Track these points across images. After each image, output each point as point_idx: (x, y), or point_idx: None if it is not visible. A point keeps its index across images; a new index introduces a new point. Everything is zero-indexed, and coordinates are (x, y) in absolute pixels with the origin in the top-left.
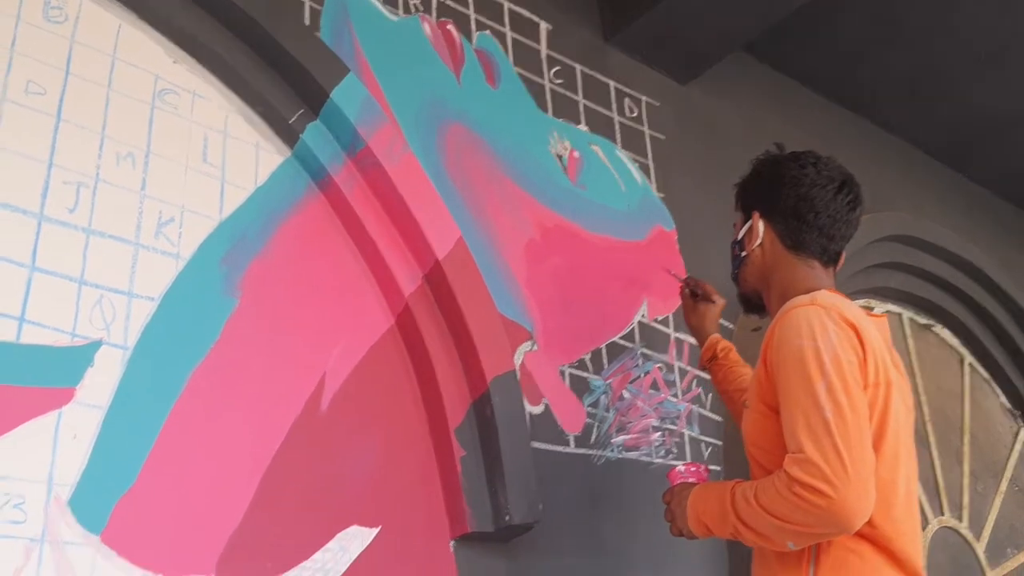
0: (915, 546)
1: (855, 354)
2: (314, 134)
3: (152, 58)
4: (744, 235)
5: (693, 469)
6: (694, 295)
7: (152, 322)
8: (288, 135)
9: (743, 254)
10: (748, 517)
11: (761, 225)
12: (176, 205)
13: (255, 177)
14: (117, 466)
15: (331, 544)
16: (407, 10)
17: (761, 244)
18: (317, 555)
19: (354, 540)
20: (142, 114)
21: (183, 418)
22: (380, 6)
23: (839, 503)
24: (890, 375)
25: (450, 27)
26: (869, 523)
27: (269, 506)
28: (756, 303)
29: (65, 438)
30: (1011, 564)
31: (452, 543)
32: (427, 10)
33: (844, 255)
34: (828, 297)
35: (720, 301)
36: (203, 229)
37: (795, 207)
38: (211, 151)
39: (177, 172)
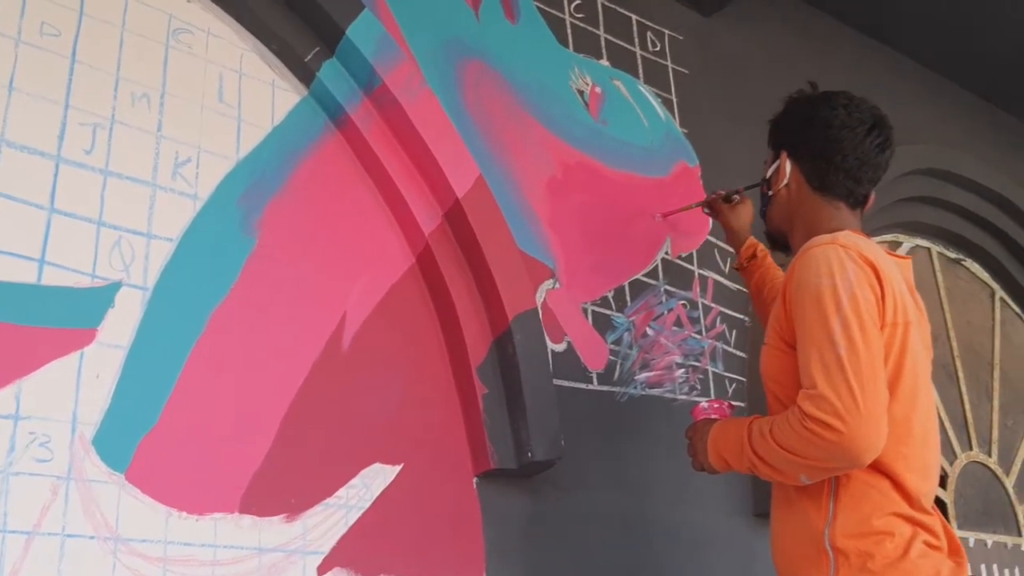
0: (927, 484)
1: (873, 293)
2: (330, 72)
3: None
4: (772, 174)
5: (716, 406)
6: (728, 200)
7: (171, 263)
8: (304, 73)
9: (770, 193)
10: (763, 451)
11: (788, 165)
12: (192, 145)
13: (272, 116)
14: (140, 405)
15: (354, 481)
16: None
17: (788, 184)
18: (340, 491)
19: (377, 477)
20: (156, 54)
21: (204, 358)
22: None
23: (850, 438)
24: (909, 315)
25: None
26: (882, 459)
27: (292, 444)
28: (782, 242)
29: (88, 378)
30: None
31: (475, 480)
32: None
33: (874, 196)
34: (849, 237)
35: (748, 198)
36: (220, 169)
37: (823, 148)
38: (227, 90)
39: (193, 112)
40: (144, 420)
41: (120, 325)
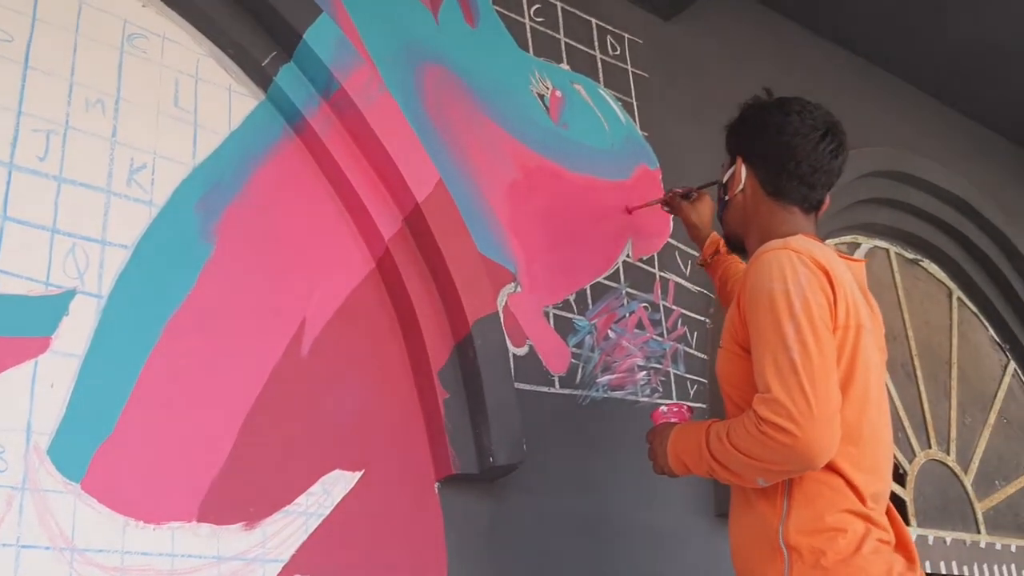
0: (878, 484)
1: (825, 297)
2: (288, 76)
3: (121, 2)
4: (728, 179)
5: (675, 409)
6: (686, 198)
7: (126, 270)
8: (261, 78)
9: (726, 198)
10: (721, 455)
11: (743, 170)
12: (148, 151)
13: (229, 121)
14: (95, 414)
15: (314, 488)
16: None
17: (743, 189)
18: (300, 499)
19: (337, 483)
20: (111, 59)
21: (161, 365)
22: None
23: (804, 441)
24: (861, 319)
25: None
26: (833, 458)
27: (251, 451)
28: (739, 245)
29: (42, 387)
30: (999, 496)
31: (437, 485)
32: None
33: (829, 200)
34: (801, 241)
35: (707, 195)
36: (176, 175)
37: (776, 155)
38: (183, 95)
39: (148, 117)
40: (100, 429)
41: (75, 333)
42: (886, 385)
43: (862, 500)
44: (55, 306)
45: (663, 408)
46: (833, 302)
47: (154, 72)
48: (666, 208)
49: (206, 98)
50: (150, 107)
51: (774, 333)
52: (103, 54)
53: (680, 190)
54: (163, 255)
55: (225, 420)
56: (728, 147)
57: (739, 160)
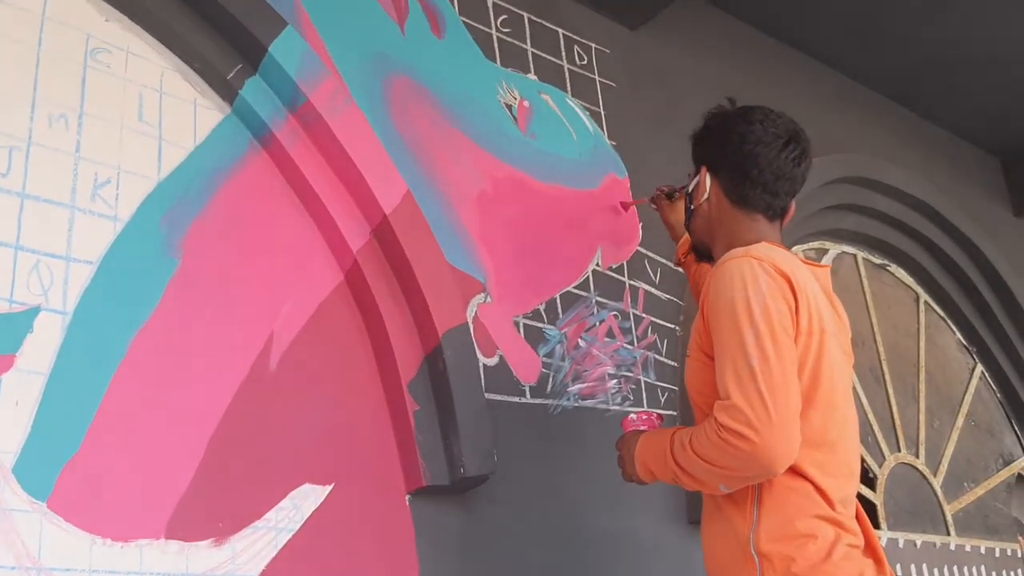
0: (846, 488)
1: (786, 304)
2: (253, 89)
3: (83, 16)
4: (693, 188)
5: (645, 417)
6: (669, 197)
7: (91, 286)
8: (227, 91)
9: (692, 207)
10: (684, 462)
11: (708, 180)
12: (112, 166)
13: (194, 135)
14: (61, 432)
15: (284, 503)
16: None
17: (708, 198)
18: (270, 514)
19: (307, 498)
20: (74, 74)
21: (127, 382)
22: None
23: (762, 447)
24: (825, 324)
25: None
26: (802, 465)
27: (219, 467)
28: (706, 253)
29: (7, 405)
30: (968, 498)
31: (408, 497)
32: None
33: (793, 207)
34: (763, 249)
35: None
36: (141, 190)
37: (740, 163)
38: (147, 110)
39: (112, 132)
40: (66, 447)
41: (39, 351)
42: (854, 389)
43: (831, 505)
44: (19, 323)
45: (632, 416)
46: (795, 308)
47: (118, 86)
48: (652, 205)
49: (171, 112)
50: (114, 121)
51: (734, 340)
52: (66, 69)
53: (665, 188)
54: (128, 271)
55: (193, 436)
56: (694, 157)
57: (703, 169)
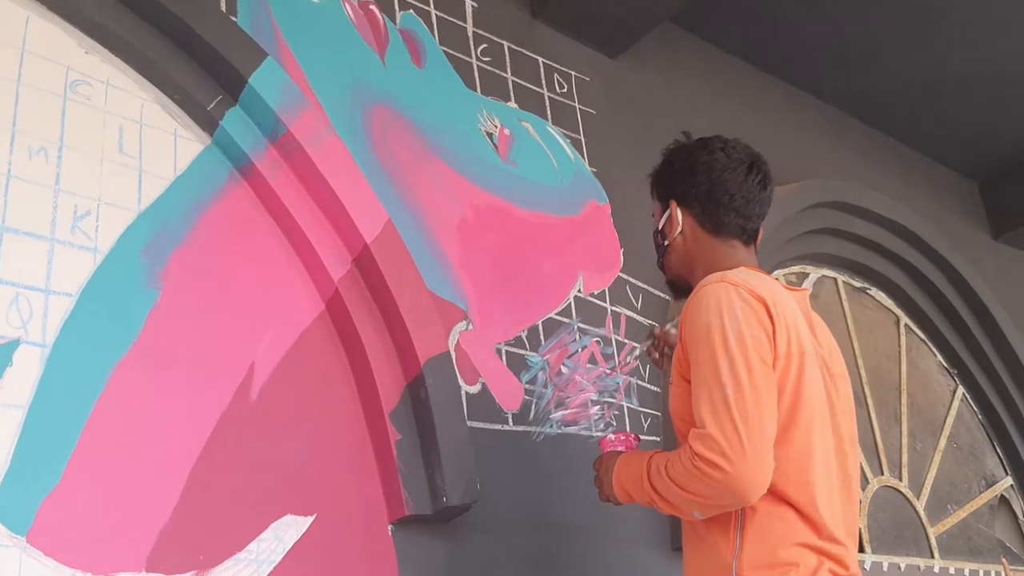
0: (834, 513)
1: (762, 329)
2: (234, 120)
3: (63, 49)
4: (664, 224)
5: (623, 438)
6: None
7: (71, 318)
8: (207, 122)
9: (665, 243)
10: (660, 487)
11: (680, 213)
12: (92, 198)
13: (174, 166)
14: (41, 465)
15: (265, 534)
16: None
17: (682, 232)
18: (251, 546)
19: (289, 529)
20: (54, 107)
21: (107, 414)
22: None
23: (735, 476)
24: (804, 347)
25: (373, 7)
26: (785, 491)
27: (200, 499)
28: (684, 288)
29: None
30: (951, 520)
31: (390, 527)
32: None
33: (762, 230)
34: (739, 274)
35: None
36: (121, 221)
37: (710, 192)
38: (127, 141)
39: (92, 164)
40: (46, 480)
41: (19, 384)
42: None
43: (817, 531)
44: None
45: (611, 436)
46: (772, 332)
47: (98, 118)
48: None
49: (151, 143)
50: (94, 154)
51: (709, 368)
52: (46, 101)
53: (655, 341)
54: (108, 303)
55: (173, 467)
56: (656, 194)
57: (673, 204)
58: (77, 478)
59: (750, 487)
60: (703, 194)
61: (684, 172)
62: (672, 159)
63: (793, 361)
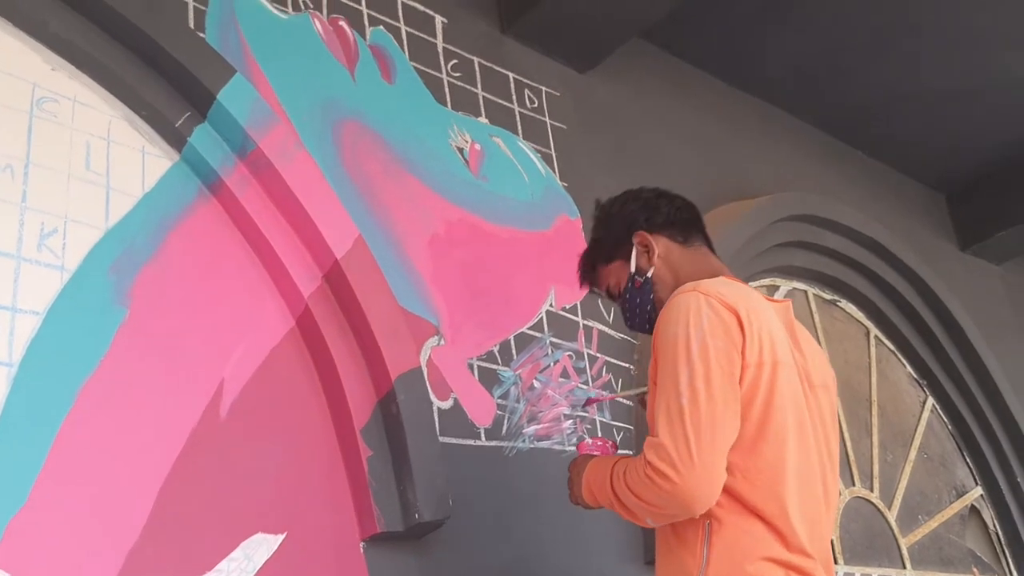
0: (806, 524)
1: (729, 340)
2: (202, 137)
3: (29, 66)
4: (639, 260)
5: (600, 443)
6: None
7: (37, 337)
8: (175, 139)
9: (648, 277)
10: (619, 492)
11: (650, 239)
12: (59, 215)
13: (142, 183)
14: (7, 485)
15: (235, 553)
16: (297, 7)
17: (659, 255)
18: (221, 565)
19: (259, 548)
20: (20, 124)
21: (74, 434)
22: (268, 5)
23: (681, 487)
24: (778, 355)
25: (342, 23)
26: (755, 501)
27: (169, 518)
28: None
29: None
30: (922, 531)
31: (362, 544)
32: (317, 7)
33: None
34: (713, 284)
35: None
36: (89, 239)
37: (662, 209)
38: (95, 158)
39: (59, 181)
40: (12, 500)
41: None
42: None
43: (787, 543)
44: None
45: (588, 440)
46: (742, 342)
47: (65, 135)
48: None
49: (119, 160)
50: (61, 171)
51: (670, 378)
52: (12, 118)
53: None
54: (75, 321)
55: (142, 487)
56: (605, 257)
57: (640, 235)
58: (44, 498)
59: (696, 498)
60: (661, 216)
61: (632, 209)
62: (611, 211)
63: (765, 370)
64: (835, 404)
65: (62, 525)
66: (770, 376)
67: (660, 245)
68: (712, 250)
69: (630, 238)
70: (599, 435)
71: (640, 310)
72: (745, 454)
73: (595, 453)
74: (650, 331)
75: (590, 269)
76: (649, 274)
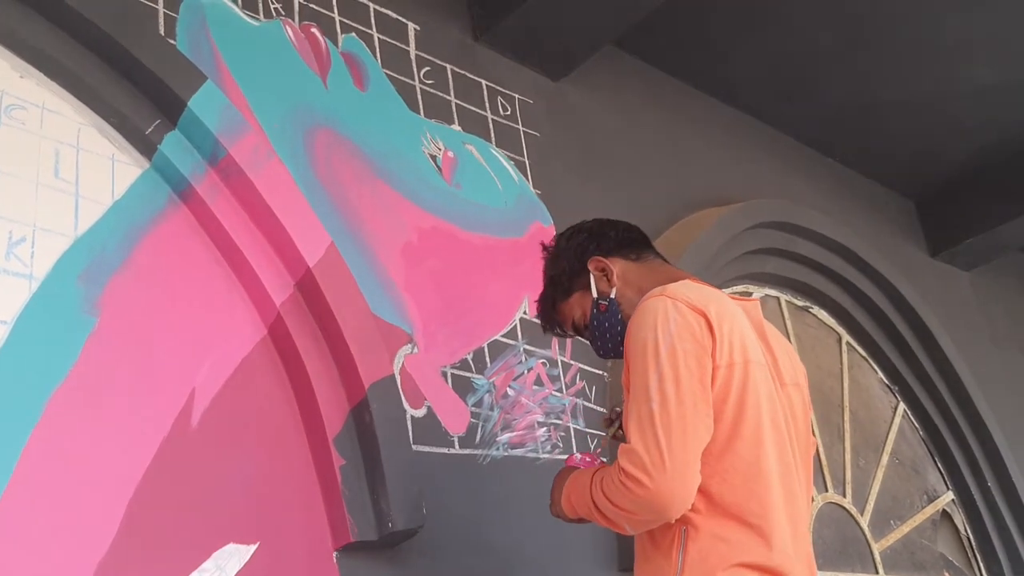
0: (785, 524)
1: (697, 342)
2: (173, 144)
3: None
4: (599, 285)
5: (588, 459)
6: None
7: (6, 346)
8: (145, 146)
9: (611, 299)
10: (598, 500)
11: (607, 263)
12: (28, 224)
13: (112, 191)
14: None
15: (207, 564)
16: (268, 14)
17: (618, 275)
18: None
19: (231, 558)
20: None
21: (43, 444)
22: (240, 12)
23: (655, 492)
24: (749, 355)
25: (314, 30)
26: (732, 502)
27: (139, 530)
28: None
29: None
30: (895, 536)
31: (335, 554)
32: (289, 14)
33: None
34: (679, 288)
35: None
36: (58, 247)
37: (612, 232)
38: (63, 166)
39: (28, 189)
40: None
41: None
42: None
43: (769, 545)
44: None
45: (577, 456)
46: (712, 344)
47: (33, 143)
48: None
49: (88, 168)
50: (29, 179)
51: (640, 383)
52: None
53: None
54: (44, 330)
55: (112, 498)
56: (563, 291)
57: (594, 260)
58: (12, 511)
59: (670, 503)
60: (610, 239)
61: (585, 237)
62: (561, 245)
63: (736, 370)
64: (807, 401)
65: (29, 537)
66: (742, 376)
67: (616, 266)
68: (666, 262)
69: (585, 267)
70: (573, 444)
71: (611, 333)
72: (720, 454)
73: (581, 468)
74: (621, 356)
75: (551, 309)
76: (612, 295)
